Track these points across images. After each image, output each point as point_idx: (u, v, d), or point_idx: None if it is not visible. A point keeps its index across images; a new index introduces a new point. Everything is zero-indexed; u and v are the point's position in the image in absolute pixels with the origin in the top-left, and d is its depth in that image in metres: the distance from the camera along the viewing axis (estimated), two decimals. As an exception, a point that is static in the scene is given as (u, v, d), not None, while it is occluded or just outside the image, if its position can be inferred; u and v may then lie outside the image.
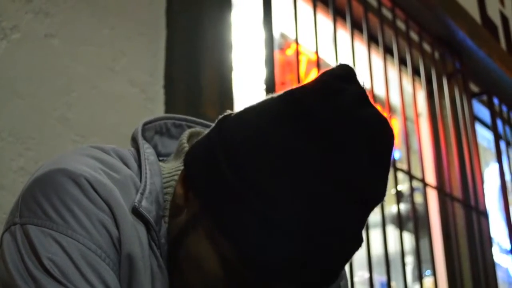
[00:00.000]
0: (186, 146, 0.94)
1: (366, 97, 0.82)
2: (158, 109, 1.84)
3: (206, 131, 0.90)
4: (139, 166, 0.92)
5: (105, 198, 0.84)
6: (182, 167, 0.91)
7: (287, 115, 0.81)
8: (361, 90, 0.82)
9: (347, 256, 0.84)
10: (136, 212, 0.86)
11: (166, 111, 1.84)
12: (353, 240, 0.83)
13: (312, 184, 0.77)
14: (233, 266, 0.81)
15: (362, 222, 0.83)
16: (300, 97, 0.82)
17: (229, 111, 0.89)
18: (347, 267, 2.19)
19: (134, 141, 0.97)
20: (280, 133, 0.80)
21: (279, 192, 0.77)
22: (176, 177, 0.93)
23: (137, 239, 0.85)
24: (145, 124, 0.99)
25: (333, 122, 0.79)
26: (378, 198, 0.83)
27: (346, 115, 0.80)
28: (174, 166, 0.95)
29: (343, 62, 0.85)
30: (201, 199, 0.84)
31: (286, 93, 0.84)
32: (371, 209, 0.83)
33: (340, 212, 0.79)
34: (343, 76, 0.83)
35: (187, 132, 0.99)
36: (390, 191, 2.90)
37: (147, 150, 0.94)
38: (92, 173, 0.85)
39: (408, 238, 3.38)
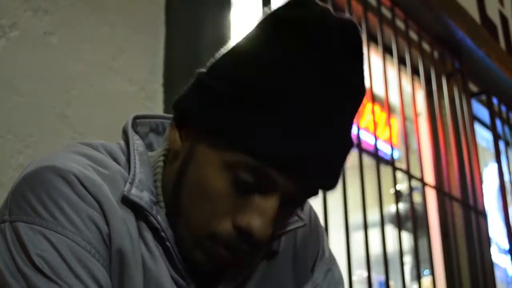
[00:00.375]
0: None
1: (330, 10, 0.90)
2: (157, 107, 1.84)
3: None
4: (128, 159, 0.92)
5: (94, 194, 0.84)
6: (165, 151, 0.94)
7: (264, 28, 0.88)
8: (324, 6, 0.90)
9: (342, 150, 0.87)
10: (126, 200, 0.86)
11: (165, 110, 1.84)
12: (345, 131, 0.87)
13: (300, 80, 0.83)
14: (237, 173, 0.83)
15: (350, 111, 0.88)
16: (273, 13, 0.89)
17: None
18: (345, 266, 2.20)
19: (125, 133, 0.97)
20: (260, 42, 0.87)
21: (270, 90, 0.82)
22: (160, 163, 0.94)
23: (127, 233, 0.85)
24: (136, 118, 1.00)
25: (307, 25, 0.86)
26: (360, 84, 0.89)
27: (318, 19, 0.86)
28: (158, 153, 0.95)
29: None
30: (199, 121, 0.86)
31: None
32: (356, 98, 0.88)
33: (329, 99, 0.84)
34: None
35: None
36: (389, 191, 2.90)
37: (136, 142, 0.94)
38: (80, 169, 0.85)
39: (407, 238, 3.38)
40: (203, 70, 0.91)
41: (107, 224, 0.84)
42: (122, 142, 0.97)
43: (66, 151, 0.90)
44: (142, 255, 0.86)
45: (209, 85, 0.87)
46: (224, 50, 0.91)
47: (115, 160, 0.92)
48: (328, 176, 0.87)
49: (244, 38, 0.89)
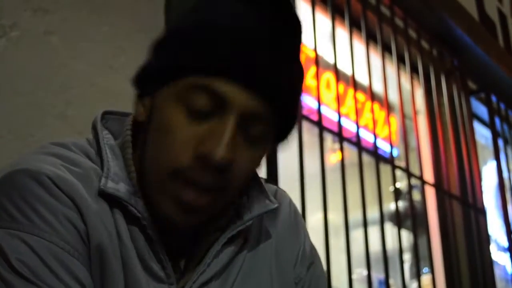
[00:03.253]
0: (129, 123, 0.96)
1: None
2: (157, 107, 1.84)
3: None
4: (98, 153, 0.92)
5: (68, 193, 0.84)
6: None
7: None
8: None
9: (289, 69, 0.90)
10: (103, 194, 0.86)
11: (165, 109, 1.84)
12: (287, 52, 0.90)
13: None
14: (189, 100, 0.86)
15: (290, 36, 0.92)
16: None
17: None
18: (345, 264, 2.20)
19: (94, 129, 0.97)
20: None
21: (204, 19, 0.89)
22: (129, 152, 0.93)
23: (105, 229, 0.85)
24: (105, 113, 1.00)
25: None
26: (293, 11, 0.93)
27: None
28: (123, 143, 0.95)
29: None
30: (154, 72, 0.91)
31: None
32: (292, 27, 0.93)
33: (267, 20, 0.88)
34: None
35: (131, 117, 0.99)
36: (389, 189, 2.90)
37: (106, 136, 0.95)
38: (53, 169, 0.85)
39: (406, 236, 3.38)
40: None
41: (84, 221, 0.84)
42: (91, 137, 0.96)
43: (37, 153, 0.90)
44: (120, 249, 0.86)
45: (157, 46, 0.93)
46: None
47: (87, 156, 0.92)
48: (280, 92, 0.88)
49: None
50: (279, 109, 0.88)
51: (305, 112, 2.30)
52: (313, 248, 1.10)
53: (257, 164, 0.92)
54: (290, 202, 1.09)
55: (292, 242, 1.05)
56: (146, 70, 0.93)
